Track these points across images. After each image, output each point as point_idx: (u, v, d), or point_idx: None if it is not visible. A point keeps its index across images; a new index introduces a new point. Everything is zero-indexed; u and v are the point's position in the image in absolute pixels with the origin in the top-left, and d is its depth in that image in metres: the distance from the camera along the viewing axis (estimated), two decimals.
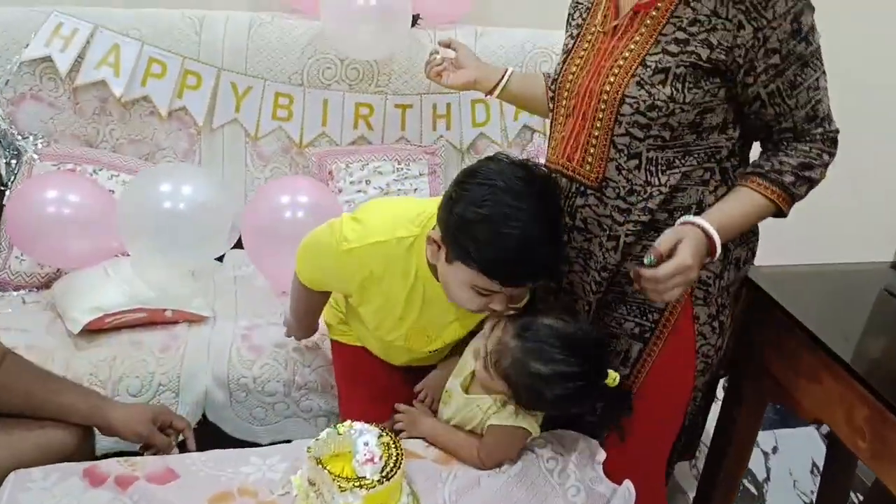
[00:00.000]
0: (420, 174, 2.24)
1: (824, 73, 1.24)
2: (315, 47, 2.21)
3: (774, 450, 2.38)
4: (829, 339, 1.39)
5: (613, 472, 1.39)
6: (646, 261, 1.17)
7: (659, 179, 1.29)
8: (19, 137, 2.10)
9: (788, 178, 1.25)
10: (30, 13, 2.09)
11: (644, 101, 1.23)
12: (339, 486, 1.20)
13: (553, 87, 1.43)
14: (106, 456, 1.43)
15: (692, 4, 1.21)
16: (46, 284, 1.98)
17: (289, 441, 1.75)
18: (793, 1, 1.17)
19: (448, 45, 1.66)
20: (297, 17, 2.26)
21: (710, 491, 1.77)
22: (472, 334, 1.51)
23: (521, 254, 1.15)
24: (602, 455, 1.41)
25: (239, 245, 2.01)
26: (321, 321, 1.73)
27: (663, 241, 1.19)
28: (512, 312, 1.32)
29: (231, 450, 1.40)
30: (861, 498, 2.16)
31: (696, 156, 1.28)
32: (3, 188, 2.06)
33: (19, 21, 2.08)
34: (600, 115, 1.29)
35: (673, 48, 1.22)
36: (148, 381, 1.72)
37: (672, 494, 1.99)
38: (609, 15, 1.32)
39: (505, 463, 1.39)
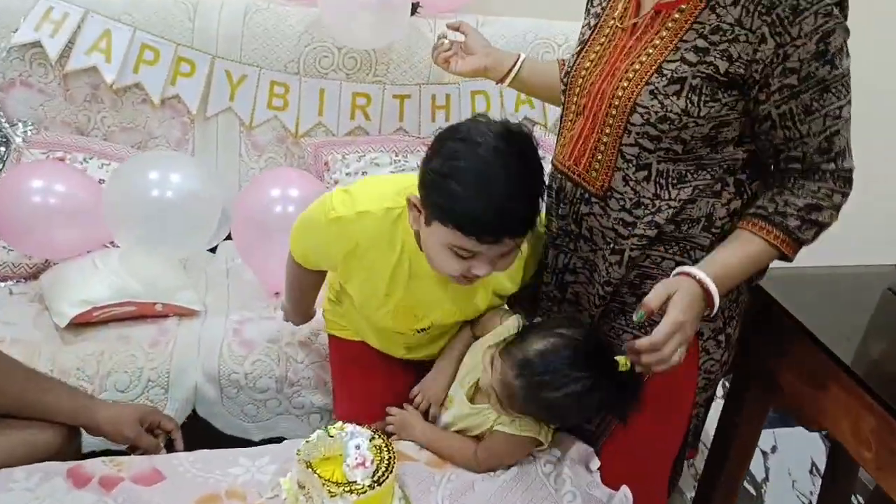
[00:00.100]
0: (418, 166, 2.19)
1: (849, 102, 1.14)
2: (312, 35, 2.16)
3: (773, 449, 2.36)
4: (834, 345, 1.35)
5: (614, 481, 1.35)
6: (635, 317, 1.12)
7: (669, 193, 1.22)
8: (7, 125, 2.05)
9: (793, 222, 1.16)
10: None
11: (656, 113, 1.16)
12: (329, 491, 1.17)
13: (565, 80, 1.35)
14: (92, 454, 1.41)
15: (717, 11, 1.13)
16: (34, 275, 1.94)
17: (281, 439, 1.74)
18: (824, 19, 1.07)
19: (457, 29, 1.57)
20: (294, 4, 2.21)
21: (710, 493, 1.74)
22: (469, 337, 1.47)
23: (493, 208, 1.13)
24: (596, 463, 1.38)
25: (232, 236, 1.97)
26: (319, 313, 1.70)
27: (653, 297, 1.11)
28: (506, 340, 1.29)
29: (219, 450, 1.37)
30: (863, 501, 2.14)
31: (709, 170, 1.21)
32: None
33: (8, 5, 2.03)
34: (610, 121, 1.22)
35: (692, 57, 1.14)
36: (136, 376, 1.69)
37: (670, 494, 1.97)
38: (630, 9, 1.24)
39: (499, 467, 1.36)
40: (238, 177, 2.26)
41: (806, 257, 1.24)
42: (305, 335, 1.80)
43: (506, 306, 1.68)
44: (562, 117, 1.37)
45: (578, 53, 1.32)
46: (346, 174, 2.14)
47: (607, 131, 1.23)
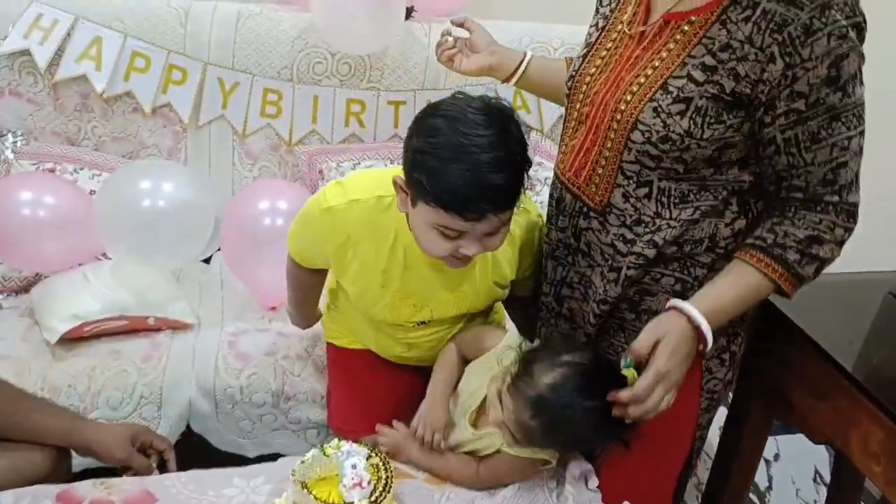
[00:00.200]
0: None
1: (860, 134, 1.07)
2: (305, 41, 2.13)
3: (776, 457, 2.33)
4: (837, 352, 1.32)
5: (615, 500, 1.32)
6: (622, 363, 1.11)
7: (670, 212, 1.17)
8: None
9: (793, 256, 1.11)
10: (8, 3, 2.01)
11: (657, 132, 1.11)
12: None
13: (569, 84, 1.28)
14: (83, 473, 1.37)
15: (728, 26, 1.07)
16: (25, 288, 1.91)
17: (276, 455, 1.71)
18: (837, 41, 1.01)
19: (461, 25, 1.47)
20: (287, 9, 2.18)
21: None
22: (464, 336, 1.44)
23: (472, 181, 1.11)
24: (594, 481, 1.34)
25: None
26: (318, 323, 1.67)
27: (641, 342, 1.10)
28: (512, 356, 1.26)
29: (213, 470, 1.33)
30: None
31: (713, 191, 1.16)
32: None
33: None
34: (612, 136, 1.18)
35: (699, 75, 1.09)
36: (129, 393, 1.65)
37: None
38: (639, 14, 1.19)
39: (501, 485, 1.33)
40: (231, 186, 2.22)
41: None
42: (303, 348, 1.77)
43: (497, 319, 1.67)
44: (564, 122, 1.32)
45: (584, 57, 1.27)
46: None
47: (608, 146, 1.18)
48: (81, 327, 1.70)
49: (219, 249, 2.10)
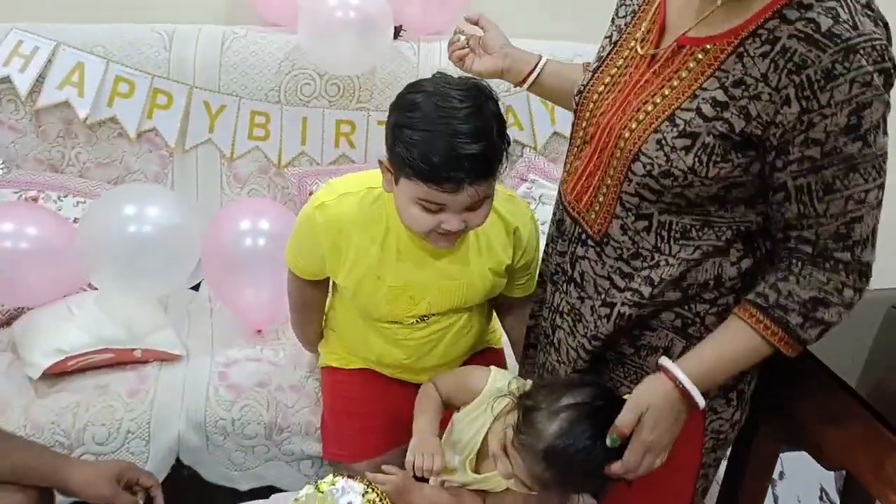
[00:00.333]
0: None
1: (879, 187, 1.00)
2: (293, 62, 2.10)
3: (781, 475, 2.28)
4: (851, 377, 1.28)
5: None
6: (608, 442, 1.08)
7: (670, 248, 1.11)
8: None
9: (795, 318, 1.03)
10: None
11: (659, 166, 1.05)
12: None
13: (577, 98, 1.22)
14: None
15: (744, 60, 1.00)
16: (7, 322, 1.85)
17: (269, 488, 1.66)
18: (861, 89, 0.93)
19: (476, 23, 1.40)
20: (274, 31, 2.15)
21: None
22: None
23: (445, 149, 1.14)
24: None
25: None
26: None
27: (624, 420, 1.07)
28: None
29: None
30: None
31: (716, 229, 1.09)
32: None
33: None
34: (614, 163, 1.12)
35: (708, 110, 1.02)
36: (115, 428, 1.60)
37: None
38: (653, 33, 1.12)
39: None
40: (220, 210, 2.18)
41: None
42: (296, 379, 1.72)
43: (493, 340, 1.66)
44: (571, 139, 1.26)
45: (594, 72, 1.21)
46: None
47: (611, 173, 1.13)
48: (65, 362, 1.65)
49: None
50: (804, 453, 2.25)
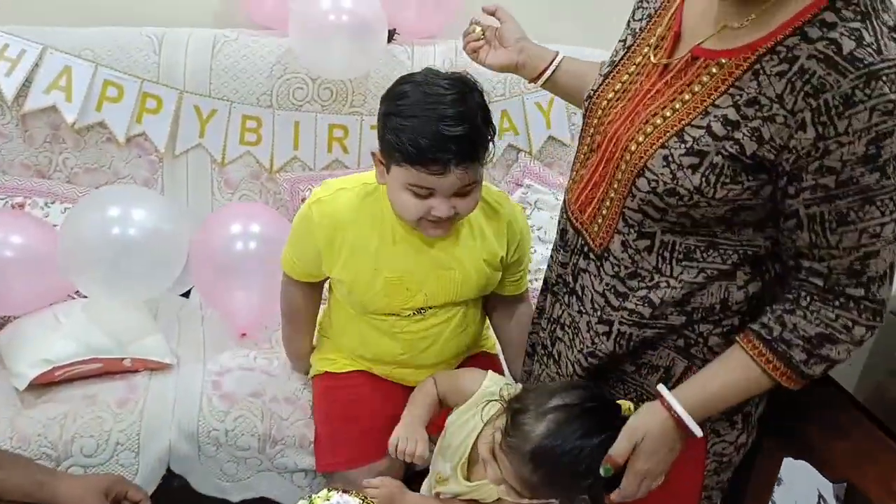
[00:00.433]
0: None
1: None
2: (284, 66, 2.07)
3: (778, 481, 2.26)
4: (855, 387, 1.26)
5: None
6: (602, 472, 1.07)
7: (671, 269, 1.06)
8: None
9: (799, 355, 0.99)
10: None
11: (664, 183, 1.00)
12: None
13: (587, 102, 1.18)
14: None
15: (760, 78, 0.95)
16: None
17: (262, 500, 1.63)
18: (881, 118, 0.88)
19: (493, 14, 1.38)
20: (265, 34, 2.12)
21: None
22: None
23: (431, 131, 1.20)
24: None
25: None
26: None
27: (619, 450, 1.06)
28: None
29: None
30: None
31: (722, 252, 1.04)
32: None
33: None
34: (619, 176, 1.07)
35: (719, 129, 0.97)
36: (104, 440, 1.56)
37: None
38: (667, 41, 1.07)
39: None
40: (210, 214, 2.13)
41: None
42: (291, 391, 1.69)
43: (488, 346, 1.67)
44: (579, 142, 1.22)
45: (605, 76, 1.16)
46: None
47: (615, 186, 1.08)
48: (52, 372, 1.61)
49: None
50: (801, 461, 2.25)
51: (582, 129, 1.20)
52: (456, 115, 1.21)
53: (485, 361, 1.59)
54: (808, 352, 0.99)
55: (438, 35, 2.22)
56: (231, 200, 2.15)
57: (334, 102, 2.11)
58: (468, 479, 1.30)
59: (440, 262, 1.41)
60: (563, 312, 1.24)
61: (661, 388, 1.07)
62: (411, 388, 1.46)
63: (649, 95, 1.07)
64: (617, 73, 1.14)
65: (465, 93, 1.25)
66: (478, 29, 1.36)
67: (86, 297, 1.82)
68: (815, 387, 1.31)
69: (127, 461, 1.58)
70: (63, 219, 1.88)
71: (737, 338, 1.05)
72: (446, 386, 1.39)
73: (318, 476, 1.62)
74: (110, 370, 1.68)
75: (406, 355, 1.50)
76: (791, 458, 2.17)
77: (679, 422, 1.05)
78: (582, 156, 1.18)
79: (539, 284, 2.00)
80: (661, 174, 1.01)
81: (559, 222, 1.26)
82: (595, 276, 1.14)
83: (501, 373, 1.57)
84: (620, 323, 1.12)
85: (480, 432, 1.26)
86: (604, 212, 1.11)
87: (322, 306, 1.64)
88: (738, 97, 0.97)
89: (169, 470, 1.64)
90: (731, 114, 0.97)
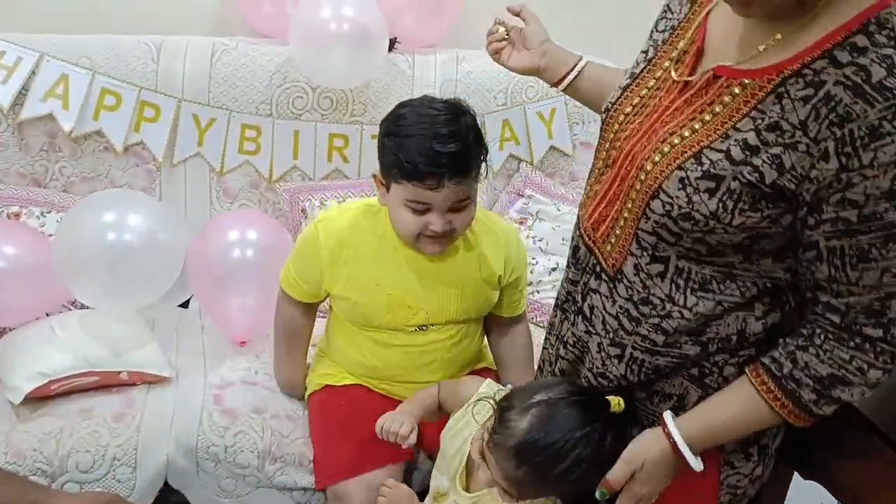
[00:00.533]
0: None
1: None
2: (284, 75, 2.05)
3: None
4: (871, 409, 1.23)
5: None
6: (598, 495, 1.06)
7: (685, 299, 1.02)
8: None
9: (808, 395, 0.96)
10: None
11: (679, 207, 0.96)
12: None
13: (604, 115, 1.14)
14: None
15: (783, 102, 0.90)
16: None
17: None
18: None
19: (517, 14, 1.35)
20: (265, 43, 2.10)
21: None
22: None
23: (428, 149, 1.28)
24: None
25: None
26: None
27: (617, 475, 1.04)
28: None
29: None
30: None
31: (740, 283, 1.00)
32: None
33: None
34: (633, 196, 1.03)
35: (737, 153, 0.92)
36: (101, 455, 1.53)
37: None
38: (689, 55, 1.03)
39: None
40: (208, 221, 2.11)
41: None
42: (293, 408, 1.66)
43: (487, 363, 1.67)
44: (595, 155, 1.18)
45: (624, 89, 1.12)
46: None
47: (629, 206, 1.04)
48: (48, 385, 1.58)
49: None
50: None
51: (598, 143, 1.16)
52: (449, 134, 1.30)
53: (486, 377, 1.58)
54: (818, 392, 0.96)
55: (439, 44, 2.21)
56: (229, 210, 2.12)
57: (334, 111, 2.10)
58: (467, 489, 1.28)
59: (441, 281, 1.45)
60: (567, 332, 1.22)
61: (667, 415, 1.05)
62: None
63: (668, 112, 1.03)
64: (636, 86, 1.11)
65: (457, 115, 1.34)
66: (501, 29, 1.33)
67: (81, 307, 1.81)
68: None
69: (124, 476, 1.55)
70: (58, 224, 1.85)
71: (746, 369, 1.02)
72: (447, 391, 1.40)
73: (318, 494, 1.59)
74: (107, 383, 1.65)
75: (406, 368, 1.51)
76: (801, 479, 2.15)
77: (679, 452, 1.03)
78: (597, 171, 1.15)
79: (540, 297, 2.02)
80: (677, 197, 0.97)
81: (572, 238, 1.23)
82: (607, 297, 1.10)
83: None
84: (633, 348, 1.09)
85: (473, 436, 1.25)
86: (617, 231, 1.08)
87: (317, 333, 1.66)
88: (759, 121, 0.92)
89: (166, 484, 1.61)
90: (751, 138, 0.92)
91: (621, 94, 1.12)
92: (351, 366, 1.56)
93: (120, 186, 2.06)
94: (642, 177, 1.01)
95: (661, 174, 0.98)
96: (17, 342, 1.67)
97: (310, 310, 1.59)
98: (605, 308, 1.11)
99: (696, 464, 1.03)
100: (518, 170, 2.20)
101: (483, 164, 1.37)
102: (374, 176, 1.42)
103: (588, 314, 1.15)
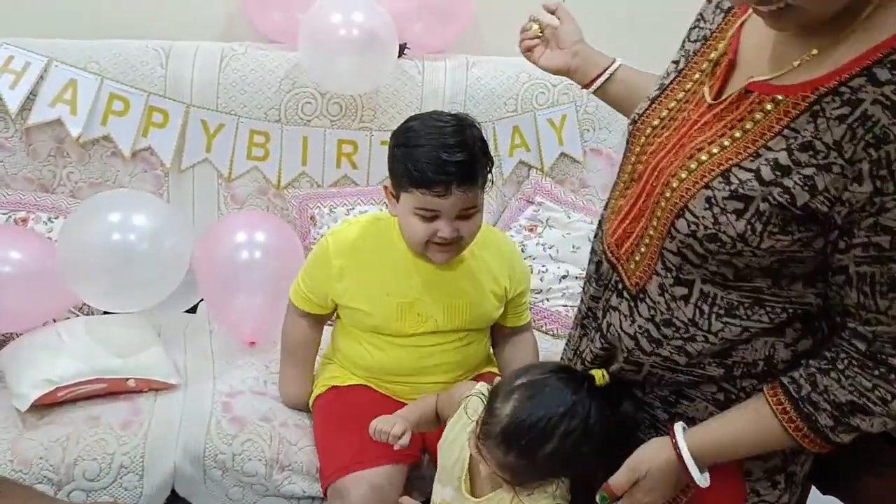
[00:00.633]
0: None
1: None
2: (293, 80, 2.05)
3: None
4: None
5: None
6: (598, 499, 1.05)
7: (709, 324, 0.98)
8: None
9: (825, 420, 0.93)
10: None
11: (705, 228, 0.92)
12: None
13: (631, 127, 1.11)
14: None
15: (818, 121, 0.86)
16: None
17: None
18: None
19: (553, 12, 1.31)
20: (274, 48, 2.10)
21: None
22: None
23: (436, 158, 1.33)
24: None
25: None
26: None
27: (620, 480, 1.03)
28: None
29: None
30: None
31: (769, 309, 0.96)
32: None
33: None
34: (659, 213, 0.99)
35: (767, 173, 0.88)
36: (107, 463, 1.51)
37: None
38: (721, 67, 0.99)
39: None
40: (215, 224, 2.10)
41: None
42: (301, 416, 1.64)
43: (492, 368, 1.66)
44: (620, 168, 1.14)
45: (653, 100, 1.08)
46: None
47: (654, 223, 1.00)
48: (55, 392, 1.56)
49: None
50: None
51: (624, 155, 1.13)
52: (456, 144, 1.35)
53: (491, 380, 1.57)
54: (835, 419, 0.93)
55: (448, 50, 2.20)
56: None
57: (343, 117, 2.09)
58: (474, 494, 1.26)
59: (449, 292, 1.50)
60: (586, 348, 1.19)
61: (678, 426, 1.03)
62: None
63: (696, 127, 0.99)
64: (665, 98, 1.07)
65: (464, 126, 1.38)
66: (535, 27, 1.30)
67: (88, 312, 1.80)
68: None
69: (130, 485, 1.54)
70: (63, 224, 1.84)
71: (764, 387, 0.99)
72: (444, 399, 1.40)
73: (325, 502, 1.57)
74: (114, 390, 1.64)
75: (412, 368, 1.53)
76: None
77: (685, 465, 1.01)
78: (622, 184, 1.11)
79: (550, 304, 2.00)
80: (703, 217, 0.93)
81: (594, 252, 1.19)
82: (626, 316, 1.07)
83: None
84: (652, 366, 1.06)
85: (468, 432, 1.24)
86: (642, 249, 1.04)
87: (322, 347, 1.67)
88: (792, 140, 0.88)
89: (173, 492, 1.60)
90: (783, 158, 0.89)
91: (649, 106, 1.09)
92: (356, 366, 1.57)
93: None
94: (668, 194, 0.98)
95: (686, 192, 0.95)
96: (23, 349, 1.66)
97: (318, 323, 1.62)
98: (621, 327, 1.08)
99: (701, 479, 1.01)
100: (528, 176, 2.18)
101: (489, 175, 1.42)
102: (385, 187, 1.46)
103: (605, 331, 1.12)
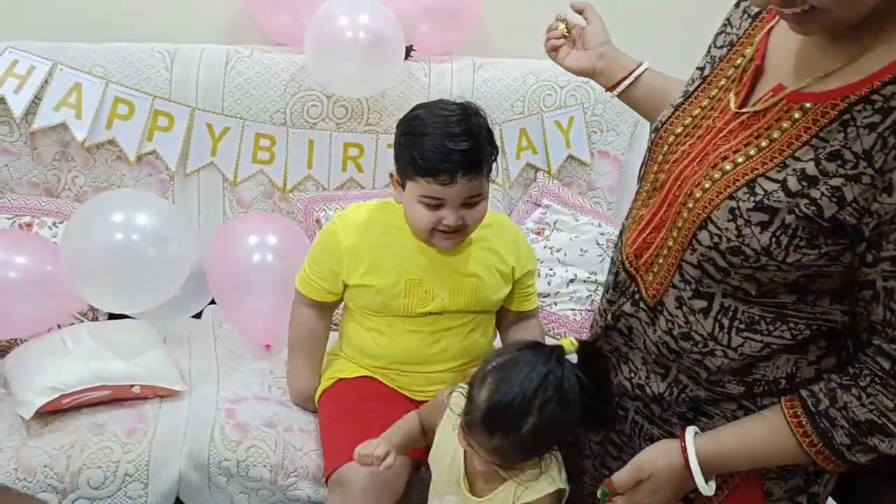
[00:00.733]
0: None
1: None
2: (299, 83, 2.04)
3: None
4: None
5: None
6: (599, 494, 1.03)
7: (729, 339, 0.96)
8: None
9: (841, 437, 0.90)
10: None
11: (728, 240, 0.90)
12: None
13: (653, 135, 1.08)
14: None
15: (848, 130, 0.83)
16: (1, 353, 1.76)
17: None
18: None
19: (580, 12, 1.30)
20: (279, 51, 2.09)
21: None
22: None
23: (441, 146, 1.33)
24: None
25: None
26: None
27: (624, 479, 1.01)
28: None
29: None
30: None
31: (792, 325, 0.93)
32: None
33: None
34: (680, 224, 0.97)
35: (794, 184, 0.85)
36: (112, 471, 1.50)
37: None
38: (748, 73, 0.97)
39: None
40: (223, 226, 2.08)
41: None
42: (306, 421, 1.63)
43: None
44: (641, 177, 1.11)
45: (677, 107, 1.06)
46: None
47: (675, 234, 0.98)
48: (59, 399, 1.55)
49: (212, 302, 1.99)
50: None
51: (646, 164, 1.10)
52: (461, 132, 1.35)
53: None
54: (852, 437, 0.90)
55: (456, 52, 2.18)
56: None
57: (349, 120, 2.08)
58: (476, 494, 1.25)
59: (457, 270, 1.50)
60: (602, 345, 1.18)
61: (690, 430, 1.01)
62: (416, 402, 1.51)
63: (721, 135, 0.96)
64: (689, 105, 1.05)
65: (469, 115, 1.38)
66: (561, 26, 1.29)
67: (93, 318, 1.79)
68: None
69: (135, 493, 1.52)
70: (66, 225, 1.83)
71: (782, 399, 0.97)
72: (426, 408, 1.39)
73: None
74: (119, 397, 1.62)
75: (419, 355, 1.53)
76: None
77: (690, 471, 0.99)
78: (644, 193, 1.08)
79: (558, 309, 1.99)
80: (726, 229, 0.90)
81: (613, 263, 1.16)
82: (648, 324, 1.06)
83: None
84: (678, 371, 1.04)
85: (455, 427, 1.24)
86: (660, 261, 1.02)
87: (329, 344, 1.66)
88: (820, 149, 0.86)
89: (178, 500, 1.59)
90: (810, 168, 0.86)
91: (672, 113, 1.06)
92: (363, 355, 1.57)
93: None
94: (690, 205, 0.95)
95: (710, 203, 0.92)
96: (28, 355, 1.65)
97: (326, 312, 1.61)
98: (644, 332, 1.06)
99: (705, 487, 0.99)
100: (535, 179, 2.16)
101: (494, 164, 1.42)
102: (391, 175, 1.47)
103: (626, 331, 1.10)
